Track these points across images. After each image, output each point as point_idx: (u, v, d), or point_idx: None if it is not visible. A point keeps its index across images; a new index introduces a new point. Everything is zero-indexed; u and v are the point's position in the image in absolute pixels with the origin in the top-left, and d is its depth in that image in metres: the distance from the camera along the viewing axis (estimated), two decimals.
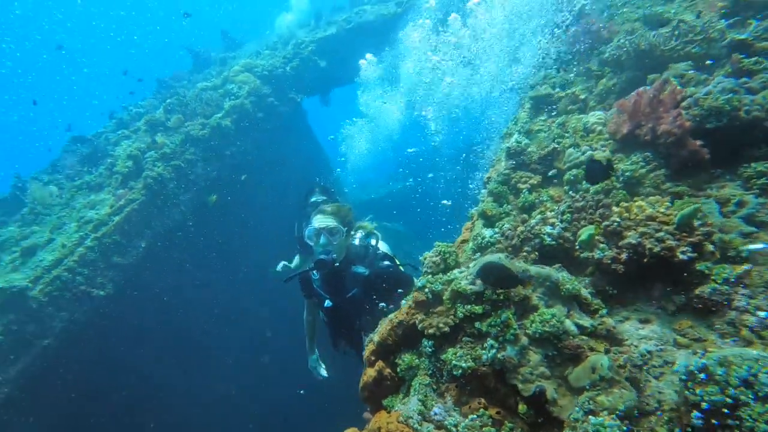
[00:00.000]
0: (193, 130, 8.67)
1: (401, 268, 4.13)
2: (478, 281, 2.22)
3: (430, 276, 2.44)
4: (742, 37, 3.37)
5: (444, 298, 2.30)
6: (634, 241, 2.31)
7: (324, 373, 4.77)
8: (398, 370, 2.37)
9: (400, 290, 3.59)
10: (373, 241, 4.23)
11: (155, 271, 8.02)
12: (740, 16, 3.71)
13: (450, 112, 10.23)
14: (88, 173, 10.18)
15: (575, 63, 4.52)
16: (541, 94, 4.28)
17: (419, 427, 2.04)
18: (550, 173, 3.39)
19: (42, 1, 40.81)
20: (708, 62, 3.43)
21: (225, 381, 10.02)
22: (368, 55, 11.79)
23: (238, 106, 9.37)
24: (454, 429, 1.98)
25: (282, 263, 6.39)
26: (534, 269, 2.28)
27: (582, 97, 4.04)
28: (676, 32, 3.62)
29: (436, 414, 2.10)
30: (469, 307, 2.18)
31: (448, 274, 2.39)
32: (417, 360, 2.33)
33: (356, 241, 4.07)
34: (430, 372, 2.25)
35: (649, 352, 2.07)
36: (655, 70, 3.65)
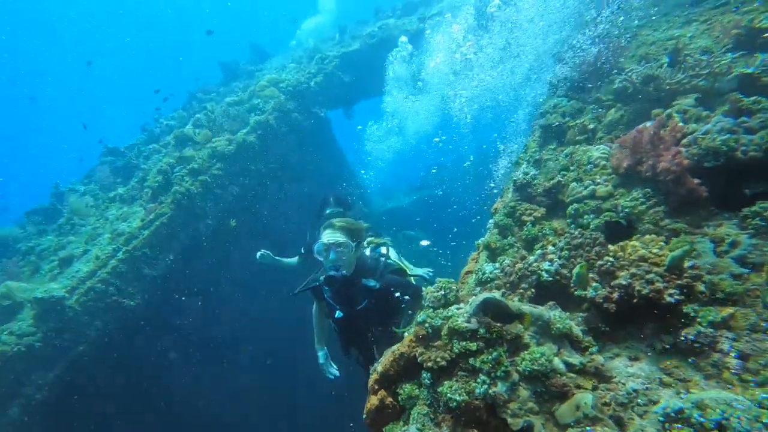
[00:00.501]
0: (220, 145, 8.99)
1: (412, 279, 4.25)
2: (473, 319, 2.37)
3: (430, 311, 2.59)
4: (749, 71, 3.44)
5: (442, 333, 2.45)
6: (624, 282, 2.43)
7: (335, 372, 4.62)
8: (399, 399, 2.54)
9: (407, 296, 3.77)
10: (383, 250, 4.32)
11: (182, 282, 8.35)
12: (746, 50, 3.78)
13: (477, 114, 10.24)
14: (121, 185, 10.66)
15: (587, 90, 4.62)
16: (551, 122, 4.39)
17: None
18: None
19: (74, 13, 42.35)
20: None
21: (246, 384, 10.30)
22: (403, 38, 11.75)
23: (263, 122, 9.67)
24: None
25: (261, 251, 6.30)
26: (527, 308, 2.42)
27: (591, 126, 4.14)
28: (683, 65, 3.69)
29: None
30: (464, 343, 2.34)
31: (447, 310, 2.54)
32: (417, 390, 2.49)
33: (366, 253, 4.14)
34: (428, 402, 2.41)
35: (635, 390, 2.19)
36: (661, 102, 3.74)
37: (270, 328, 10.41)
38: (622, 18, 5.74)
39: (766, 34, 4.10)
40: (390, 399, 2.56)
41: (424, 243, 9.32)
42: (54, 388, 6.97)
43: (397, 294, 3.81)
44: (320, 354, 4.64)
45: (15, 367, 6.66)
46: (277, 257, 6.31)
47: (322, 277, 3.93)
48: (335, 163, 14.50)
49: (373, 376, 2.67)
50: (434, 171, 20.01)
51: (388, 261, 4.28)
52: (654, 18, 5.82)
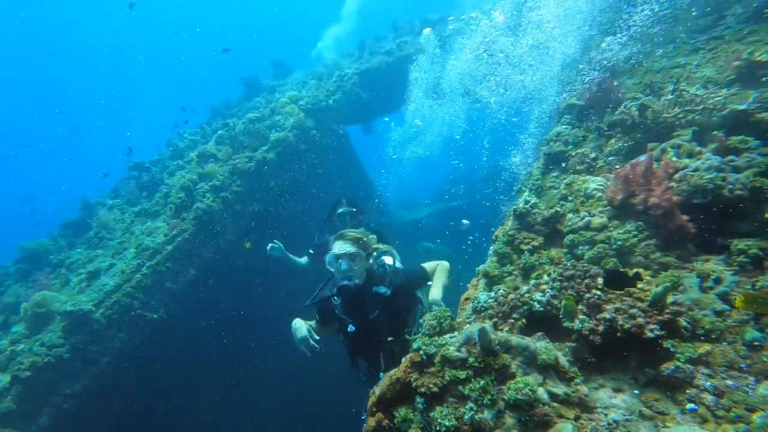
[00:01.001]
0: (240, 163, 9.31)
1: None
2: (464, 348, 2.53)
3: (426, 338, 2.76)
4: (742, 107, 3.54)
5: (435, 360, 2.61)
6: (609, 316, 2.57)
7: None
8: (395, 421, 2.70)
9: (429, 282, 4.02)
10: (388, 260, 4.32)
11: (203, 295, 8.63)
12: (747, 82, 3.88)
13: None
14: (146, 199, 11.06)
15: (591, 118, 4.75)
16: (554, 150, 4.53)
17: None
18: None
19: (103, 30, 43.89)
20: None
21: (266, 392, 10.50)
22: (426, 30, 11.84)
23: (282, 140, 9.96)
24: None
25: (272, 243, 6.58)
26: (514, 339, 2.56)
27: (592, 156, 4.26)
28: (680, 100, 3.80)
29: None
30: (454, 371, 2.49)
31: (441, 338, 2.70)
32: (411, 414, 2.64)
33: (370, 261, 4.15)
34: (421, 426, 2.57)
35: (616, 421, 2.32)
36: (660, 134, 3.86)
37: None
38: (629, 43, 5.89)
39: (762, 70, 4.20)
40: (386, 421, 2.72)
41: (465, 223, 9.39)
42: (81, 398, 7.29)
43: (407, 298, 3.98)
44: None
45: (45, 378, 7.00)
46: (287, 252, 6.58)
47: (334, 289, 3.94)
48: (354, 177, 14.73)
49: (372, 399, 2.84)
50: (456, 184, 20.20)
51: (395, 266, 4.34)
52: (662, 43, 5.94)
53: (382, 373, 3.63)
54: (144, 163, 12.55)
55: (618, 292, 2.68)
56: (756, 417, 2.05)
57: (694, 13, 6.20)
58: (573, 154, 4.39)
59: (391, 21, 15.45)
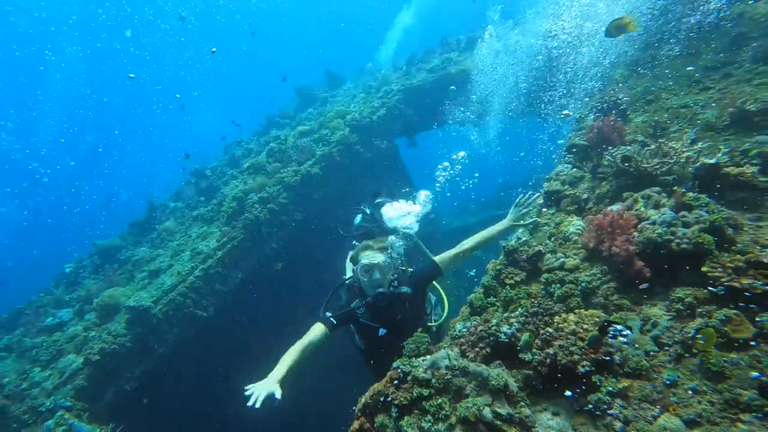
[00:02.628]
0: (287, 177, 10.14)
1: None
2: (429, 371, 3.10)
3: (405, 359, 3.34)
4: (711, 161, 3.90)
5: (408, 378, 3.19)
6: (552, 351, 3.06)
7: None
8: (375, 425, 3.30)
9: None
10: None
11: (249, 297, 9.51)
12: (740, 128, 4.21)
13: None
14: (203, 204, 12.13)
15: (590, 159, 5.14)
16: (552, 189, 4.96)
17: None
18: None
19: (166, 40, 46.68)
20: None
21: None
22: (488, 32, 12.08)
23: (327, 155, 10.73)
24: None
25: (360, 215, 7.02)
26: (472, 366, 3.10)
27: (584, 197, 4.68)
28: (659, 152, 4.18)
29: None
30: (420, 389, 3.07)
31: (416, 360, 3.28)
32: (387, 420, 3.23)
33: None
34: (394, 431, 3.16)
35: None
36: (640, 181, 4.24)
37: None
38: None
39: (756, 118, 4.51)
40: (368, 425, 3.32)
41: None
42: (139, 380, 8.32)
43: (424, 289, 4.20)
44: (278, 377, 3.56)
45: (111, 361, 8.04)
46: None
47: (368, 299, 4.01)
48: (399, 186, 15.32)
49: (359, 405, 3.45)
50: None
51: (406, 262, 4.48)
52: (679, 78, 6.21)
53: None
54: (203, 169, 13.68)
55: (566, 329, 3.16)
56: None
57: (713, 45, 6.41)
58: (568, 194, 4.81)
59: (441, 37, 15.95)
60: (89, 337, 8.54)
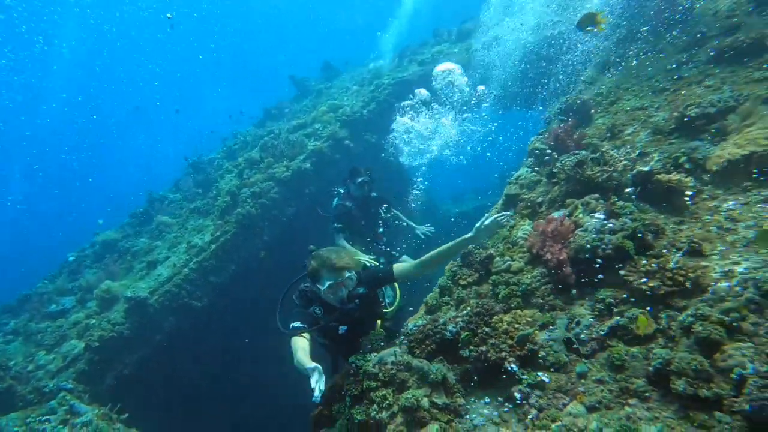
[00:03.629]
0: (278, 172, 10.52)
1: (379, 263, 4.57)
2: (377, 366, 3.52)
3: (360, 355, 3.76)
4: (645, 169, 4.26)
5: (360, 372, 3.62)
6: (484, 349, 3.46)
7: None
8: (332, 412, 3.73)
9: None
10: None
11: (241, 288, 9.96)
12: (684, 132, 4.57)
13: None
14: (201, 196, 12.55)
15: (547, 164, 5.49)
16: (511, 192, 5.33)
17: None
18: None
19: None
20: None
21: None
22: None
23: (317, 150, 11.08)
24: None
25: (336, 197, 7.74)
26: (415, 362, 3.52)
27: (539, 200, 5.05)
28: (601, 160, 4.54)
29: None
30: (369, 382, 3.49)
31: (367, 356, 3.70)
32: (342, 408, 3.67)
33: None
34: (347, 418, 3.58)
35: (475, 425, 3.23)
36: (586, 187, 4.59)
37: None
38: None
39: (696, 122, 4.85)
40: (326, 411, 3.77)
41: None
42: (138, 365, 8.83)
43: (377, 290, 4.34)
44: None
45: (110, 348, 8.54)
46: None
47: (318, 310, 4.09)
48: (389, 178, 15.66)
49: (323, 396, 3.89)
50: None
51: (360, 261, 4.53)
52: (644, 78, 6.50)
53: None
54: (200, 163, 14.06)
55: (500, 329, 3.56)
56: (554, 425, 2.92)
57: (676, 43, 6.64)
58: (525, 197, 5.18)
59: (433, 30, 16.16)
60: (90, 324, 9.03)
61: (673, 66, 6.44)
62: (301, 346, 3.78)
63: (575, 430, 2.87)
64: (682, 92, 5.70)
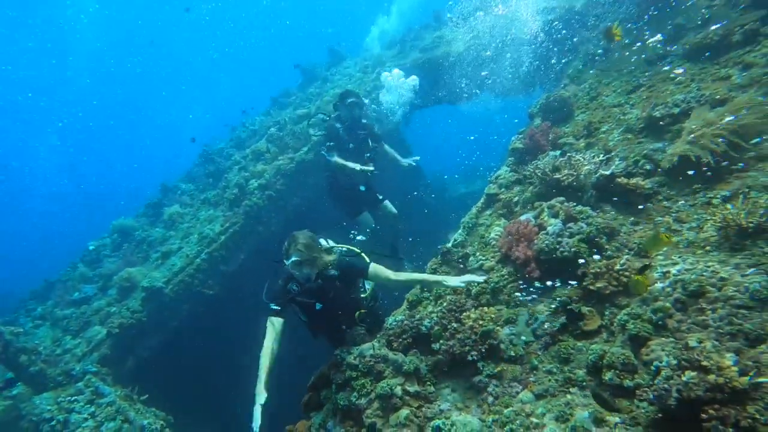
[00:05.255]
0: (283, 164, 10.96)
1: (365, 257, 4.66)
2: (357, 359, 4.00)
3: (344, 348, 4.23)
4: (606, 173, 4.61)
5: (344, 363, 4.10)
6: (452, 342, 3.91)
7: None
8: (321, 398, 4.24)
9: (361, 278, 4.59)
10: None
11: (250, 276, 10.49)
12: (653, 132, 4.91)
13: None
14: (212, 187, 13.06)
15: (525, 164, 5.83)
16: (491, 192, 5.70)
17: None
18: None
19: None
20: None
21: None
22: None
23: (320, 142, 11.45)
24: None
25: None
26: (390, 354, 3.99)
27: (515, 200, 5.42)
28: (569, 163, 4.89)
29: (329, 427, 3.96)
30: (350, 372, 3.97)
31: (351, 348, 4.17)
32: (328, 394, 4.17)
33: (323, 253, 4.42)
34: (333, 403, 4.08)
35: (441, 410, 3.70)
36: (555, 189, 4.95)
37: None
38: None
39: (661, 122, 5.15)
40: (314, 397, 4.28)
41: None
42: (156, 349, 9.49)
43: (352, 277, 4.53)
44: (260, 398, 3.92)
45: (130, 334, 9.18)
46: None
47: (296, 287, 4.44)
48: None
49: (310, 382, 4.39)
50: None
51: (342, 249, 4.79)
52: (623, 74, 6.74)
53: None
54: (211, 153, 14.50)
55: (467, 324, 4.00)
56: (506, 410, 3.38)
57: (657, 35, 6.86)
58: (502, 197, 5.56)
59: (433, 12, 16.20)
60: (111, 311, 9.69)
61: (653, 59, 6.65)
62: (266, 344, 4.23)
63: (524, 414, 3.34)
64: (656, 89, 5.96)
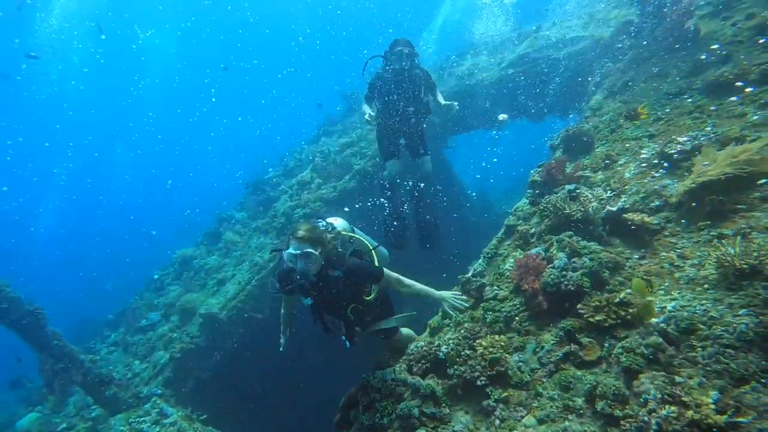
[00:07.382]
0: (326, 193, 11.64)
1: (374, 253, 4.73)
2: (380, 382, 4.46)
3: (371, 372, 4.70)
4: (613, 209, 4.88)
5: (369, 386, 4.56)
6: (464, 368, 4.30)
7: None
8: (350, 417, 4.71)
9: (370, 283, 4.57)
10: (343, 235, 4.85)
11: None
12: (661, 167, 5.16)
13: None
14: (262, 215, 13.91)
15: (543, 196, 6.13)
16: (510, 223, 6.04)
17: None
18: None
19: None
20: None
21: None
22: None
23: (361, 170, 12.08)
24: None
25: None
26: (409, 379, 4.42)
27: (531, 231, 5.74)
28: (581, 199, 5.19)
29: None
30: (374, 394, 4.44)
31: (375, 372, 4.63)
32: (356, 415, 4.63)
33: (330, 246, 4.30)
34: (360, 423, 4.54)
35: (454, 431, 4.09)
36: (565, 222, 5.24)
37: None
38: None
39: (673, 158, 5.38)
40: (345, 416, 4.76)
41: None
42: (213, 371, 10.27)
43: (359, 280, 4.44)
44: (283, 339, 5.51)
45: (190, 357, 10.01)
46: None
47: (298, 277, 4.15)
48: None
49: (341, 404, 4.87)
50: None
51: (350, 240, 4.82)
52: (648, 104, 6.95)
53: (343, 337, 4.71)
54: (262, 183, 15.42)
55: (478, 351, 4.37)
56: None
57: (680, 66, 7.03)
58: (519, 229, 5.88)
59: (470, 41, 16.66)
60: (173, 337, 10.59)
61: (675, 91, 6.84)
62: (285, 321, 5.50)
63: None
64: (674, 123, 6.16)
